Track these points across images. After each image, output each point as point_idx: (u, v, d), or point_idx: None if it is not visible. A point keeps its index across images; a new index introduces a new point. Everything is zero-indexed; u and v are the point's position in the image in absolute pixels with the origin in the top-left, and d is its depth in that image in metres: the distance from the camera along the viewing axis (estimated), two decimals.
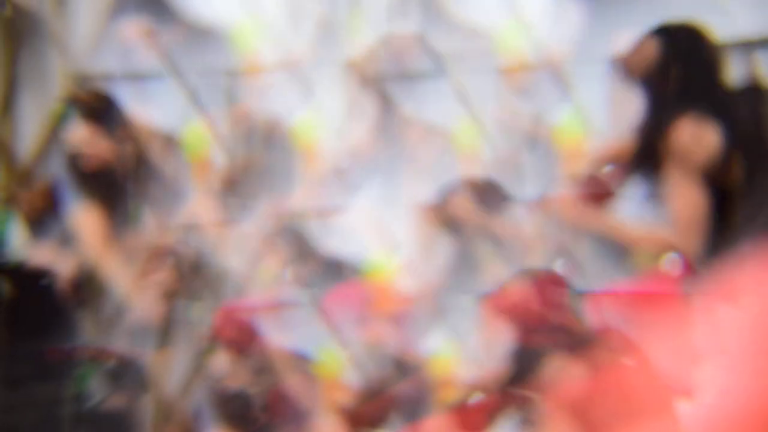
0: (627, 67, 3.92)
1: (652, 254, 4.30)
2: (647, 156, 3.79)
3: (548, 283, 4.23)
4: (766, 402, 3.66)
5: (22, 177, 5.35)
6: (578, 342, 3.91)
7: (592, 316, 4.15)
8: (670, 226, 3.77)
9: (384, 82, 4.99)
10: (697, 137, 3.69)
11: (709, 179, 3.69)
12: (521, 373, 4.15)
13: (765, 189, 3.71)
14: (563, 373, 3.94)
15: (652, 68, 3.84)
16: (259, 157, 5.07)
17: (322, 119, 4.96)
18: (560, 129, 4.89)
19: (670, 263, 4.30)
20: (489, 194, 4.87)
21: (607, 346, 3.84)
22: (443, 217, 4.95)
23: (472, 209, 4.88)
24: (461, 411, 4.39)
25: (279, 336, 4.80)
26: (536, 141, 4.95)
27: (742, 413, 3.67)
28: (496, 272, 4.78)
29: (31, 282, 4.68)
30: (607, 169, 4.05)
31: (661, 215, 3.87)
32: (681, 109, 3.73)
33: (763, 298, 3.66)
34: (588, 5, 4.73)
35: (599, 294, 4.21)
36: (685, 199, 3.73)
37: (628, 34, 4.74)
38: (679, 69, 3.79)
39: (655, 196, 3.88)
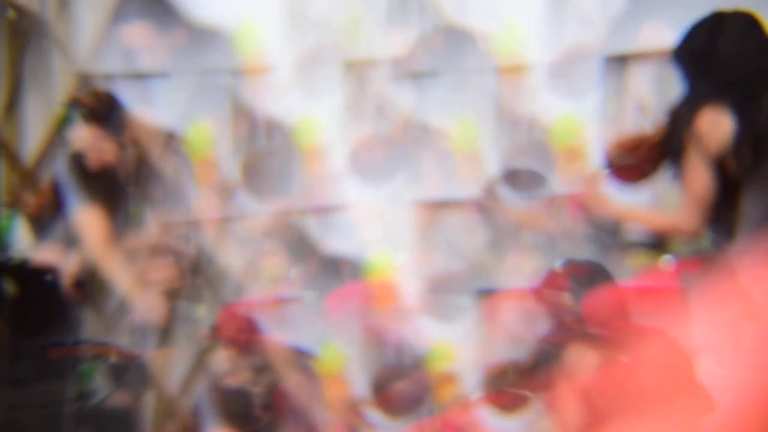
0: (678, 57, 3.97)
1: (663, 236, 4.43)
2: (676, 139, 3.86)
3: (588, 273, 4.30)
4: (762, 398, 3.72)
5: (27, 178, 5.37)
6: (596, 334, 3.97)
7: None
8: (680, 203, 3.86)
9: (382, 82, 5.02)
10: (714, 126, 3.76)
11: (720, 166, 3.76)
12: (544, 361, 4.23)
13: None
14: (581, 362, 3.99)
15: (695, 57, 3.91)
16: (261, 157, 5.11)
17: (324, 119, 4.99)
18: (557, 128, 4.95)
19: (668, 263, 4.36)
20: (528, 183, 4.91)
21: (632, 341, 3.88)
22: (485, 207, 4.99)
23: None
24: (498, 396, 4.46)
25: (280, 333, 4.83)
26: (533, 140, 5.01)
27: (741, 407, 3.72)
28: (531, 264, 4.84)
29: (34, 278, 4.67)
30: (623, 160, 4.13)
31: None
32: (708, 99, 3.79)
33: (759, 297, 3.73)
34: None
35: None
36: (696, 180, 3.80)
37: (654, 27, 4.81)
38: (714, 59, 3.86)
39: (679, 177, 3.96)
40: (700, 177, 3.80)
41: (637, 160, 4.10)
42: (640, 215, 4.15)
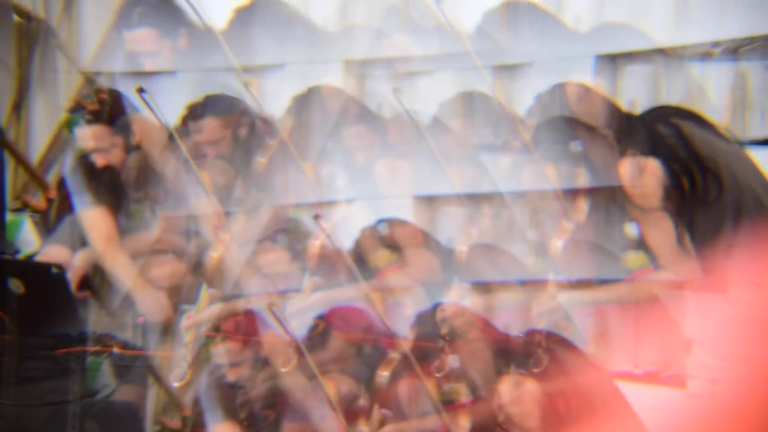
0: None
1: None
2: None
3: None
4: (756, 389, 3.77)
5: (33, 177, 5.40)
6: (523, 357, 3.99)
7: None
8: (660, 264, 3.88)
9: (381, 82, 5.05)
10: (641, 176, 3.80)
11: (672, 209, 3.81)
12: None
13: (720, 198, 3.83)
14: (521, 394, 3.99)
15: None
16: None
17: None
18: None
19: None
20: None
21: (549, 353, 3.92)
22: None
23: None
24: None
25: (281, 328, 4.84)
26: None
27: (732, 400, 3.77)
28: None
29: (41, 272, 4.69)
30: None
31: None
32: (619, 152, 3.84)
33: (752, 288, 3.78)
34: None
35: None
36: (662, 235, 3.86)
37: None
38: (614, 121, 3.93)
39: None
40: (656, 227, 3.84)
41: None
42: (639, 290, 4.10)
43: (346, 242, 4.94)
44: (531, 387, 3.94)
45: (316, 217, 4.73)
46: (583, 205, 4.15)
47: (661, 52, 4.58)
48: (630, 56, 4.98)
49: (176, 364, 4.94)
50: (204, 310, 4.93)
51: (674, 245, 3.77)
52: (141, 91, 4.72)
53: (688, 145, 3.83)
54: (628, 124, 3.91)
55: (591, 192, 3.97)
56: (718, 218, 3.79)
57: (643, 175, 3.73)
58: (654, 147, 3.78)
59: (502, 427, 4.08)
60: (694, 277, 3.82)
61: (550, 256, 4.24)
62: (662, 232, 3.78)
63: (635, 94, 5.00)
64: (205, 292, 4.94)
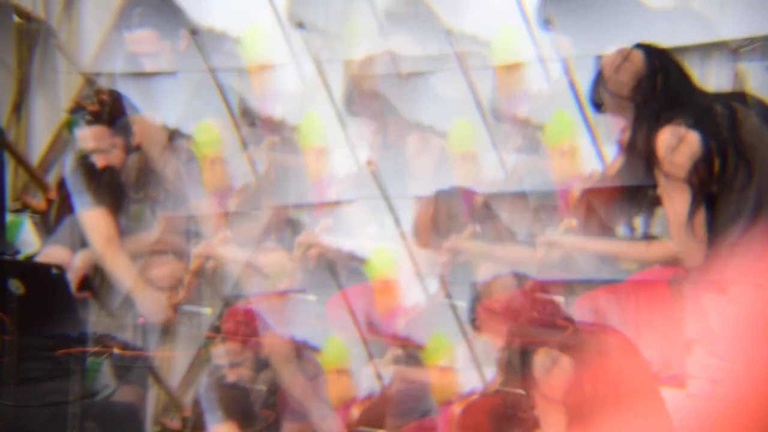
0: (612, 83, 4.01)
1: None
2: (640, 169, 3.90)
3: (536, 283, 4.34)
4: (756, 389, 3.77)
5: (33, 178, 5.41)
6: (566, 337, 4.01)
7: (582, 310, 4.24)
8: (669, 234, 3.88)
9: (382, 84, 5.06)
10: (677, 146, 3.80)
11: (695, 184, 3.81)
12: (514, 371, 4.26)
13: (746, 190, 3.83)
14: (553, 368, 4.03)
15: (639, 82, 3.96)
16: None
17: (325, 119, 5.02)
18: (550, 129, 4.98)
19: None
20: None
21: (593, 339, 3.93)
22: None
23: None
24: (463, 412, 4.48)
25: (282, 327, 4.85)
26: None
27: (733, 400, 3.77)
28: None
29: (41, 272, 4.69)
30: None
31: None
32: (665, 120, 3.85)
33: (752, 288, 3.78)
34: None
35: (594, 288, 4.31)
36: (677, 206, 3.82)
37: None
38: (662, 82, 3.92)
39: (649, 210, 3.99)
40: (678, 201, 3.82)
41: (602, 202, 4.10)
42: (633, 249, 4.12)
43: (346, 242, 4.97)
44: (565, 362, 3.99)
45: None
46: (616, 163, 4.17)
47: None
48: None
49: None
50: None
51: (685, 219, 3.77)
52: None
53: (735, 129, 3.83)
54: (689, 98, 3.91)
55: (627, 150, 3.96)
56: (735, 208, 3.79)
57: (679, 144, 3.74)
58: (700, 121, 3.79)
59: (521, 410, 4.17)
60: (697, 258, 3.83)
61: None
62: (678, 202, 3.78)
63: None
64: None
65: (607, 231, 4.18)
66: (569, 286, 4.36)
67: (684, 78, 3.97)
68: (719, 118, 3.82)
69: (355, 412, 4.82)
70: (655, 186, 3.88)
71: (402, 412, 4.78)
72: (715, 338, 3.86)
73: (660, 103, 3.88)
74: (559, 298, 4.30)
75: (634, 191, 3.99)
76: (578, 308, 4.25)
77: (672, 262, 4.00)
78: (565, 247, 4.07)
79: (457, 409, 4.59)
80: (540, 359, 4.05)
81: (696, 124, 3.80)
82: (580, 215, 4.12)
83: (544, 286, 4.26)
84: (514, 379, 4.23)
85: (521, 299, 4.22)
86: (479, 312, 4.39)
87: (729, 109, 3.85)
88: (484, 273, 4.79)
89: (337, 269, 4.97)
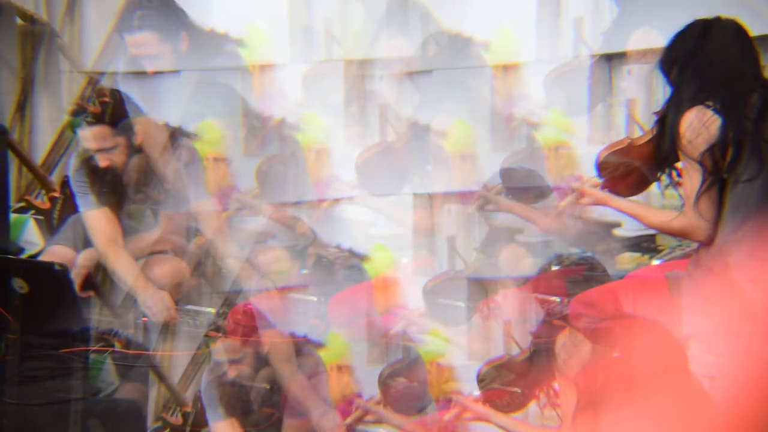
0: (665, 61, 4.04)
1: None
2: (666, 143, 3.93)
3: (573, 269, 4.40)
4: (752, 385, 3.78)
5: (37, 178, 5.44)
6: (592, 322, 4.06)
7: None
8: (685, 207, 3.90)
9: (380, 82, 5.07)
10: (698, 127, 3.84)
11: (707, 167, 3.84)
12: (538, 356, 4.32)
13: (752, 182, 3.84)
14: (573, 350, 4.08)
15: (676, 65, 3.99)
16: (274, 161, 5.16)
17: (326, 117, 5.04)
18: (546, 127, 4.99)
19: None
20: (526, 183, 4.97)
21: (625, 333, 3.96)
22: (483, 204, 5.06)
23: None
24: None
25: (283, 325, 4.87)
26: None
27: (729, 396, 3.78)
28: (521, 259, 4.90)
29: (44, 269, 4.71)
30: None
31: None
32: (693, 100, 3.89)
33: (748, 284, 3.79)
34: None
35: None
36: (691, 183, 3.86)
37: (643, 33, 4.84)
38: (700, 63, 3.94)
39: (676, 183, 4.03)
40: (694, 179, 3.86)
41: (628, 169, 4.13)
42: (651, 214, 4.09)
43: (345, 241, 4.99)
44: (585, 347, 4.04)
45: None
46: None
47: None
48: (627, 56, 5.02)
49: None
50: None
51: (693, 197, 3.81)
52: None
53: (761, 122, 3.86)
54: (729, 81, 3.94)
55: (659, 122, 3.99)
56: (738, 199, 3.81)
57: (700, 127, 3.78)
58: (728, 108, 3.82)
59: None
60: (702, 237, 3.87)
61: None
62: (692, 180, 3.83)
63: (633, 94, 5.04)
64: None
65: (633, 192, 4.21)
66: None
67: (722, 65, 3.98)
68: (748, 109, 3.85)
69: None
70: (677, 160, 3.93)
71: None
72: (712, 335, 3.87)
73: (694, 83, 3.92)
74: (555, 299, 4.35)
75: (660, 161, 4.02)
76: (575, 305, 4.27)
77: (686, 236, 4.03)
78: (593, 196, 4.08)
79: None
80: (563, 339, 4.17)
81: (722, 110, 3.83)
82: (606, 175, 4.14)
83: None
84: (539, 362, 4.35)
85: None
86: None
87: (763, 101, 3.88)
88: (505, 259, 4.85)
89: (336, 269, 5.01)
